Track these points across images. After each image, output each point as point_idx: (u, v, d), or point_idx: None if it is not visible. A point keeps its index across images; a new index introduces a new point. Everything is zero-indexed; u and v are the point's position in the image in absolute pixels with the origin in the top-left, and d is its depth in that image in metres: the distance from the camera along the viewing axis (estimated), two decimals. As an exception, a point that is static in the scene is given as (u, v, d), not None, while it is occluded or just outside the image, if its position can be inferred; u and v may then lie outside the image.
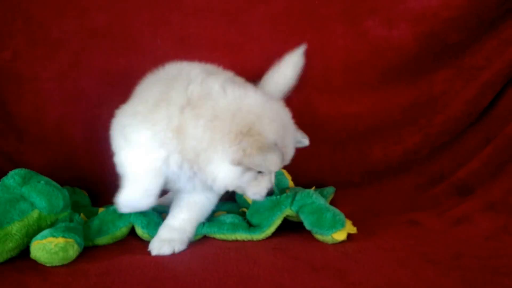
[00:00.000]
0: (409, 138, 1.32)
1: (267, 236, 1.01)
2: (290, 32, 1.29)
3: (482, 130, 1.30)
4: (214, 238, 1.01)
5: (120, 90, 1.25)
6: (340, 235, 0.97)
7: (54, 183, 0.96)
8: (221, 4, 1.25)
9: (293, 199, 1.03)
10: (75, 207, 1.05)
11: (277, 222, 1.01)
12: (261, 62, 1.28)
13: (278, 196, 1.04)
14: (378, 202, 1.27)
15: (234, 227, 1.01)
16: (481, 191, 1.22)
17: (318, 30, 1.27)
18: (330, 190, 1.27)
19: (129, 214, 0.98)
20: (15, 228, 0.85)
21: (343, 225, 0.97)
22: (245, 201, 1.13)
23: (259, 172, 0.94)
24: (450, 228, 1.11)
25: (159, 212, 1.05)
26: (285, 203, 1.03)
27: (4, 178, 0.93)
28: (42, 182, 0.93)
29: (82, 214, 1.02)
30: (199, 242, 1.00)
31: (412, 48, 1.24)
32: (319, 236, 0.99)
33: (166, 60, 1.26)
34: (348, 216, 1.13)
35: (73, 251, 0.83)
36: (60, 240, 0.82)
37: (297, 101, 1.31)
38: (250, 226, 1.04)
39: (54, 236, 0.83)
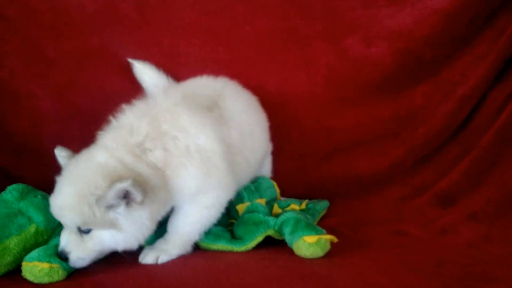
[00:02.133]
0: (393, 151, 1.37)
1: (247, 249, 1.03)
2: (275, 50, 1.35)
3: (461, 142, 1.35)
4: (204, 249, 1.04)
5: (114, 108, 1.31)
6: (311, 238, 0.96)
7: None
8: (209, 24, 1.31)
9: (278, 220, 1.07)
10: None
11: (259, 238, 1.03)
12: (247, 79, 1.33)
13: (267, 217, 1.08)
14: (365, 213, 1.31)
15: (216, 237, 1.04)
16: (463, 201, 1.27)
17: (301, 48, 1.33)
18: (324, 205, 1.31)
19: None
20: (13, 243, 0.87)
21: (317, 231, 0.98)
22: (236, 212, 1.17)
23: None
24: (434, 237, 1.15)
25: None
26: (271, 223, 1.06)
27: (2, 193, 0.96)
28: (39, 197, 0.96)
29: None
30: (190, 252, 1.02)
31: (390, 64, 1.30)
32: (296, 248, 0.99)
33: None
34: (335, 227, 1.19)
35: (58, 276, 0.84)
36: (45, 266, 0.83)
37: (284, 116, 1.37)
38: (233, 237, 1.07)
39: (40, 261, 0.84)
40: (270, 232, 1.04)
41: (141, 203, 0.86)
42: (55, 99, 1.22)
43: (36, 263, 0.84)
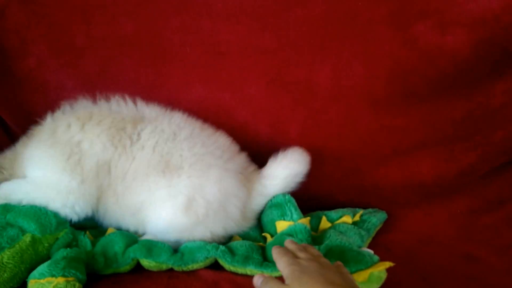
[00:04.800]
0: (463, 156, 1.17)
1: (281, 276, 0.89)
2: (329, 37, 1.17)
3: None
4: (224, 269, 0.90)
5: (147, 100, 1.20)
6: (361, 276, 0.82)
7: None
8: (255, 8, 1.15)
9: (323, 240, 0.93)
10: (82, 227, 0.98)
11: None
12: (295, 70, 1.18)
13: (307, 235, 0.93)
14: (427, 228, 1.13)
15: (245, 260, 0.88)
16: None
17: (361, 34, 1.14)
18: (381, 217, 1.14)
19: (129, 250, 0.88)
20: (6, 257, 0.77)
21: (366, 263, 0.84)
22: (272, 226, 1.01)
23: None
24: (513, 267, 0.96)
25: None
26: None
27: None
28: (26, 206, 0.87)
29: (88, 233, 0.94)
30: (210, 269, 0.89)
31: (468, 56, 1.09)
32: None
33: (195, 69, 1.21)
34: (391, 247, 1.03)
35: None
36: (60, 280, 0.74)
37: (336, 112, 1.21)
38: (265, 259, 0.91)
39: (53, 276, 0.74)
40: None
41: None
42: (85, 90, 1.10)
43: (50, 278, 0.74)
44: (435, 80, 1.14)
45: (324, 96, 1.20)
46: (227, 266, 0.89)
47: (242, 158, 1.05)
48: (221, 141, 1.02)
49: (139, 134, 0.96)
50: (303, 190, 1.20)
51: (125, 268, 0.87)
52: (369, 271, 0.82)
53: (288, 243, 0.80)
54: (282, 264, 0.69)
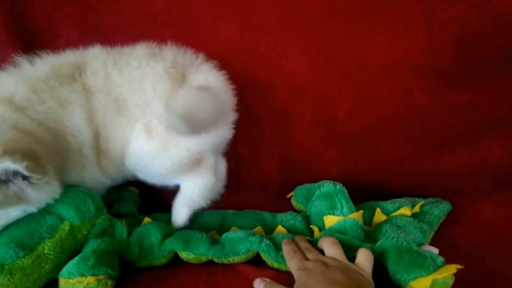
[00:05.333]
0: (546, 138, 0.99)
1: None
2: (384, 1, 1.02)
3: None
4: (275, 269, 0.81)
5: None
6: (422, 283, 0.69)
7: (79, 188, 0.83)
8: (297, -27, 1.02)
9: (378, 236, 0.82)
10: (118, 215, 0.93)
11: None
12: (343, 41, 1.05)
13: (355, 240, 0.81)
14: (499, 222, 0.96)
15: None
16: None
17: (422, -4, 0.99)
18: (445, 208, 0.97)
19: (166, 242, 0.83)
20: (47, 247, 0.73)
21: (428, 269, 0.70)
22: (320, 219, 0.90)
23: None
24: None
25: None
26: (367, 244, 0.80)
27: None
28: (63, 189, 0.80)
29: (124, 221, 0.88)
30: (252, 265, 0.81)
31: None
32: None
33: (230, 45, 1.10)
34: (458, 243, 0.88)
35: None
36: (91, 280, 0.68)
37: (391, 88, 1.06)
38: None
39: (83, 275, 0.69)
40: None
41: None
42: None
43: (79, 278, 0.68)
44: (510, 48, 0.96)
45: (377, 70, 1.05)
46: (270, 261, 0.80)
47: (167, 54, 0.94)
48: (141, 52, 0.93)
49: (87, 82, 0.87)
50: (353, 178, 1.08)
51: (161, 260, 0.82)
52: (431, 277, 0.69)
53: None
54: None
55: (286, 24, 1.06)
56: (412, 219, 0.91)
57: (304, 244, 0.80)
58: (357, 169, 1.09)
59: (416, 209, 0.96)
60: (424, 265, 0.71)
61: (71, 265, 0.72)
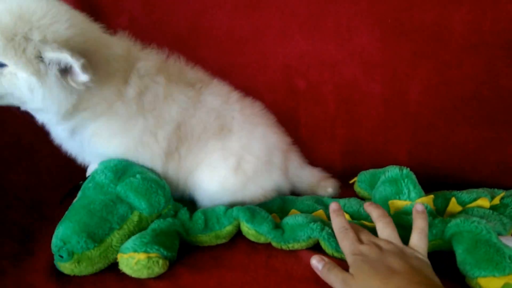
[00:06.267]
0: None
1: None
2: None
3: None
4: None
5: (242, 59, 1.08)
6: (493, 283, 0.63)
7: (150, 174, 0.81)
8: None
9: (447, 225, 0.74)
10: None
11: None
12: (423, 12, 0.95)
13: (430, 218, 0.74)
14: None
15: None
16: None
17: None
18: None
19: (233, 209, 0.81)
20: (115, 239, 0.73)
21: (503, 270, 0.63)
22: (385, 205, 0.84)
23: None
24: None
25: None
26: (434, 229, 0.73)
27: (94, 174, 0.79)
28: (137, 176, 0.78)
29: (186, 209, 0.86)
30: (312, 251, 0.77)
31: None
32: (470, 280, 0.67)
33: (296, 17, 1.04)
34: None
35: (158, 267, 0.69)
36: (142, 257, 0.68)
37: (473, 67, 0.95)
38: None
39: (135, 251, 0.69)
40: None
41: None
42: (176, 48, 1.01)
43: (132, 254, 0.69)
44: None
45: (458, 45, 0.95)
46: (330, 251, 0.76)
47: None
48: (258, 108, 0.99)
49: (204, 96, 0.90)
50: (425, 164, 1.00)
51: (227, 230, 0.80)
52: (504, 280, 0.62)
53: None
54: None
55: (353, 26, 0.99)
56: (491, 211, 0.82)
57: (355, 226, 0.75)
58: (430, 155, 1.01)
59: (496, 201, 0.86)
60: (500, 265, 0.63)
61: (129, 240, 0.72)
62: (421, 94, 1.00)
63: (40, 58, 0.68)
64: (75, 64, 0.67)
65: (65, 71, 0.69)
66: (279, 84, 1.10)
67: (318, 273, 0.68)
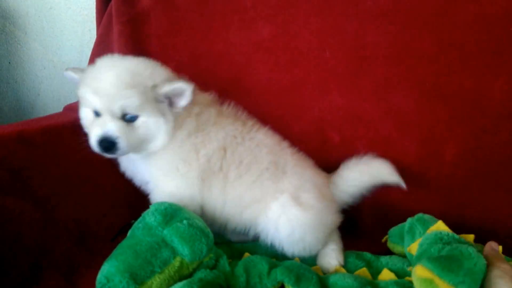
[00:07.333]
0: None
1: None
2: (509, 38, 0.93)
3: None
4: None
5: (282, 110, 1.12)
6: None
7: (197, 221, 0.81)
8: (413, 5, 0.97)
9: None
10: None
11: None
12: (462, 78, 0.97)
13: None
14: None
15: None
16: None
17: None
18: None
19: (276, 270, 0.80)
20: (156, 283, 0.73)
21: None
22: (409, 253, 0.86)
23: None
24: None
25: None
26: None
27: (145, 215, 0.80)
28: (184, 222, 0.79)
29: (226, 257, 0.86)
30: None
31: None
32: None
33: (334, 75, 1.08)
34: None
35: None
36: None
37: (510, 133, 0.96)
38: None
39: None
40: None
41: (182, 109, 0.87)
42: (221, 97, 1.06)
43: None
44: None
45: (496, 112, 0.97)
46: None
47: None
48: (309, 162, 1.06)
49: (255, 132, 0.99)
50: (457, 227, 0.99)
51: None
52: None
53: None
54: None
55: (397, 57, 1.02)
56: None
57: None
58: (463, 218, 1.00)
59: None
60: None
61: (176, 286, 0.72)
62: (456, 157, 1.01)
63: (157, 99, 0.84)
64: (189, 88, 0.84)
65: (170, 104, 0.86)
66: (312, 135, 1.12)
67: None
